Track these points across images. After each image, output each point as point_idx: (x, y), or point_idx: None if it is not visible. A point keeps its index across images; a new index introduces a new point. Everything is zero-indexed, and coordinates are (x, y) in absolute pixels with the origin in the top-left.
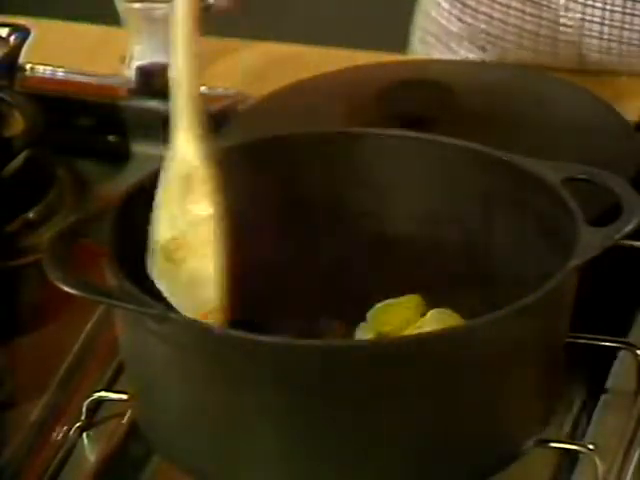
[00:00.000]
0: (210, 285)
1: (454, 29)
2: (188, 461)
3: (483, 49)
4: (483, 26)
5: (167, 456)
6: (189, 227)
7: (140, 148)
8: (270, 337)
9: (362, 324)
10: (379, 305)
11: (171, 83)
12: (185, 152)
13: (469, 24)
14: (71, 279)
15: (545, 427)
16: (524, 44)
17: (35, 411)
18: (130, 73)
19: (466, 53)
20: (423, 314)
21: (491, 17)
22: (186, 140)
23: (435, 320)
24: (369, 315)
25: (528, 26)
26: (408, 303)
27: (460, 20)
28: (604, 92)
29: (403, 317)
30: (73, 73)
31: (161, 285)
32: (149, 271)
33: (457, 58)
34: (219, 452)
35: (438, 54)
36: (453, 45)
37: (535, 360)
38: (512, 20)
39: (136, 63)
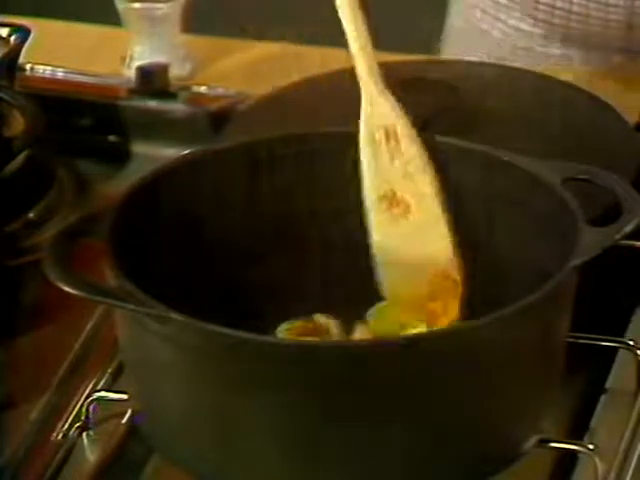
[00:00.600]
0: (439, 238)
1: (503, 0)
2: (188, 461)
3: (535, 18)
4: None
5: (167, 456)
6: (404, 180)
7: (140, 148)
8: (271, 337)
9: (361, 324)
10: (379, 305)
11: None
12: (379, 107)
13: None
14: (71, 279)
15: (545, 427)
16: (574, 10)
17: (35, 411)
18: (130, 73)
19: (517, 23)
20: None
21: None
22: (376, 95)
23: None
24: (368, 315)
25: None
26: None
27: None
28: (604, 92)
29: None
30: (73, 73)
31: (378, 239)
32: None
33: (506, 29)
34: (219, 452)
35: (486, 26)
36: (502, 16)
37: (535, 360)
38: None
39: (136, 63)
